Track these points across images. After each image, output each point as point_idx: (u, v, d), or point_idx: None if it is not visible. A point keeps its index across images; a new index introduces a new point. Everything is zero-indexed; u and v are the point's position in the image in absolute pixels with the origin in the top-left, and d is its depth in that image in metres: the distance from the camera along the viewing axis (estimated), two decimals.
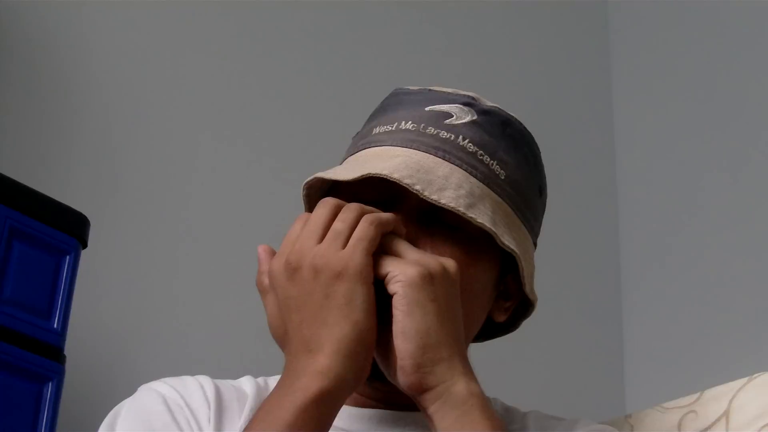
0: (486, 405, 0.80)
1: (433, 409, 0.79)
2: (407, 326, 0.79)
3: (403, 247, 0.83)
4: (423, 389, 0.79)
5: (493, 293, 0.95)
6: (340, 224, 0.82)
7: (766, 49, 2.00)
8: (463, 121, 0.93)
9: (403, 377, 0.80)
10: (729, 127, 2.02)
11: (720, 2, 2.11)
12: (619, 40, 2.30)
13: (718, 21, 2.11)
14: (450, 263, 0.83)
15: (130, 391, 0.95)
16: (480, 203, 0.88)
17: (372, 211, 0.84)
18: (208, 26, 1.74)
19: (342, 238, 0.81)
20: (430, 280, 0.80)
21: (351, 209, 0.83)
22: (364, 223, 0.82)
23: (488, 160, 0.92)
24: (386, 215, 0.84)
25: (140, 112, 1.62)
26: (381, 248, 0.83)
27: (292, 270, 0.81)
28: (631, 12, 2.30)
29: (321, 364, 0.78)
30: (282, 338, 0.83)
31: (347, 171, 0.89)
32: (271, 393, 0.80)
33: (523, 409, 1.02)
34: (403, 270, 0.80)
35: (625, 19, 2.30)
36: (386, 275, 0.81)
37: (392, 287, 0.80)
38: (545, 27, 2.23)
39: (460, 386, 0.79)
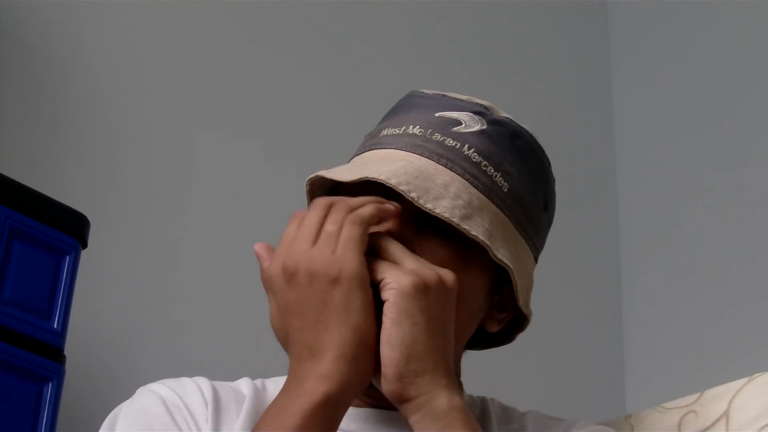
0: (468, 419, 0.80)
1: (414, 419, 0.79)
2: (393, 335, 0.79)
3: (402, 253, 0.83)
4: (404, 399, 0.80)
5: (486, 302, 0.94)
6: (330, 226, 0.82)
7: (766, 47, 2.00)
8: (472, 129, 0.93)
9: (385, 385, 0.80)
10: (729, 126, 2.02)
11: (720, 2, 2.11)
12: (619, 40, 2.30)
13: (718, 20, 2.11)
14: (448, 275, 0.83)
15: (130, 391, 0.95)
16: (477, 214, 0.88)
17: (359, 205, 0.84)
18: (208, 26, 1.74)
19: (334, 239, 0.81)
20: (423, 290, 0.80)
21: (339, 209, 0.83)
22: (347, 224, 0.82)
23: (492, 171, 0.91)
24: (366, 210, 0.83)
25: (140, 112, 1.62)
26: (381, 252, 0.83)
27: (289, 275, 0.81)
28: (631, 12, 2.30)
29: (325, 368, 0.78)
30: (284, 340, 0.83)
31: (348, 172, 0.90)
32: (277, 397, 0.81)
33: (521, 409, 1.02)
34: (397, 278, 0.80)
35: (625, 19, 2.30)
36: (381, 281, 0.81)
37: (385, 294, 0.80)
38: (546, 27, 2.23)
39: (441, 399, 0.79)
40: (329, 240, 0.81)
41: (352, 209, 0.83)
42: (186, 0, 1.72)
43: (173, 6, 1.71)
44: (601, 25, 2.32)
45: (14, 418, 1.07)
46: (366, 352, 0.79)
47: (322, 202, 0.84)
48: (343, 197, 0.85)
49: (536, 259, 0.98)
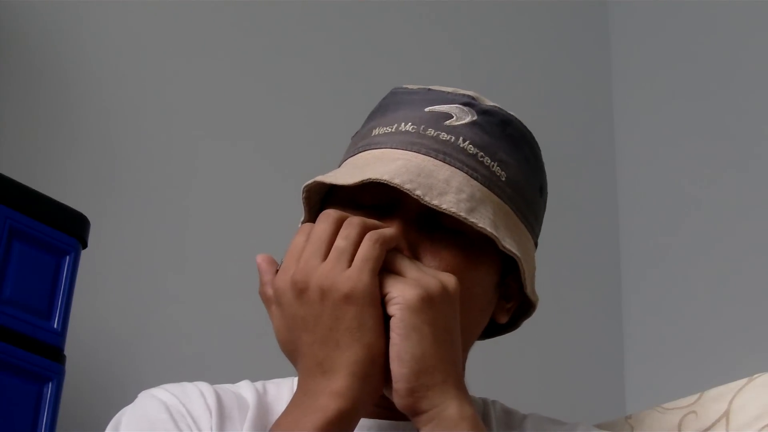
0: (478, 426, 0.80)
1: (425, 430, 0.80)
2: (403, 350, 0.79)
3: (404, 264, 0.83)
4: (416, 412, 0.80)
5: (495, 296, 0.94)
6: (343, 242, 0.81)
7: (766, 49, 2.00)
8: (463, 122, 0.92)
9: (398, 399, 0.80)
10: (729, 126, 2.02)
11: (720, 2, 2.11)
12: (619, 40, 2.30)
13: (718, 21, 2.11)
14: (450, 281, 0.83)
15: (130, 392, 0.95)
16: (481, 207, 0.88)
17: (374, 226, 0.83)
18: (208, 26, 1.74)
19: (346, 256, 0.80)
20: (429, 302, 0.80)
21: (353, 225, 0.82)
22: (368, 241, 0.81)
23: (489, 161, 0.91)
24: (389, 231, 0.83)
25: (140, 112, 1.62)
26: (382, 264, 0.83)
27: (299, 290, 0.80)
28: (631, 12, 2.30)
29: (338, 385, 0.78)
30: (292, 354, 0.83)
31: (347, 175, 0.89)
32: (288, 411, 0.80)
33: (523, 411, 1.02)
34: (402, 292, 0.80)
35: (625, 19, 2.30)
36: (386, 295, 0.81)
37: (391, 309, 0.80)
38: (545, 27, 2.23)
39: (452, 410, 0.79)
40: (341, 256, 0.80)
41: (368, 227, 0.82)
42: (187, 1, 1.72)
43: (173, 7, 1.71)
44: (601, 25, 2.32)
45: (14, 418, 1.07)
46: (377, 369, 0.80)
47: (332, 215, 0.83)
48: (354, 217, 0.84)
49: (536, 244, 0.98)
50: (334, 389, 0.78)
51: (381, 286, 0.81)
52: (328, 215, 0.83)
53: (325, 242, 0.81)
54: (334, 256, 0.80)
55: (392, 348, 0.79)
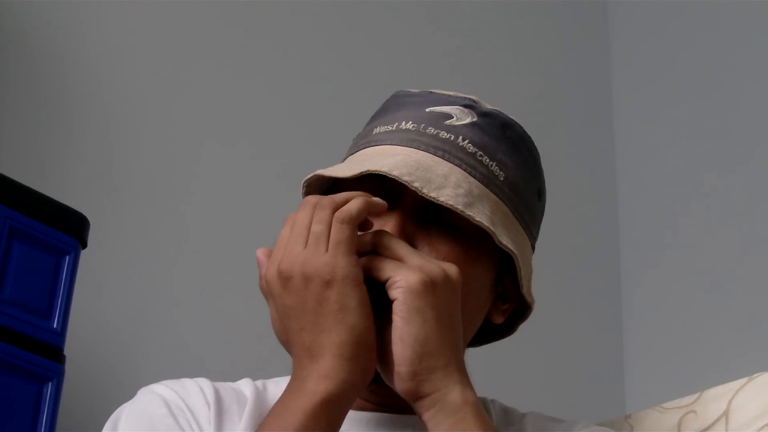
0: (480, 413, 0.81)
1: (428, 415, 0.80)
2: (406, 333, 0.79)
3: (405, 250, 0.83)
4: (419, 396, 0.80)
5: (491, 294, 0.95)
6: (317, 226, 0.82)
7: (766, 49, 2.00)
8: (464, 122, 0.93)
9: (400, 383, 0.80)
10: (729, 126, 2.02)
11: (720, 2, 2.11)
12: (619, 40, 2.30)
13: (719, 21, 2.11)
14: (453, 269, 0.83)
15: (130, 391, 0.95)
16: (478, 203, 0.88)
17: (344, 202, 0.83)
18: (209, 26, 1.74)
19: (323, 240, 0.81)
20: (431, 287, 0.80)
21: (323, 207, 0.83)
22: (336, 223, 0.82)
23: (487, 161, 0.92)
24: (354, 206, 0.83)
25: (140, 113, 1.62)
26: (383, 250, 0.83)
27: (285, 279, 0.81)
28: (631, 12, 2.30)
29: (325, 368, 0.78)
30: (286, 343, 0.84)
31: (346, 168, 0.90)
32: (280, 398, 0.81)
33: (522, 410, 1.02)
34: (405, 276, 0.81)
35: (625, 19, 2.30)
36: (387, 280, 0.81)
37: (393, 293, 0.81)
38: (545, 27, 2.23)
39: (455, 394, 0.80)
40: (318, 240, 0.81)
41: (338, 205, 0.83)
42: (187, 2, 1.72)
43: (174, 7, 1.71)
44: (601, 26, 2.32)
45: (14, 418, 1.07)
46: (365, 350, 0.80)
47: (310, 200, 0.84)
48: (326, 197, 0.84)
49: (533, 248, 0.98)
50: (321, 372, 0.78)
51: (383, 271, 0.82)
52: (307, 201, 0.84)
53: (305, 229, 0.82)
54: (312, 242, 0.81)
55: (394, 331, 0.80)
